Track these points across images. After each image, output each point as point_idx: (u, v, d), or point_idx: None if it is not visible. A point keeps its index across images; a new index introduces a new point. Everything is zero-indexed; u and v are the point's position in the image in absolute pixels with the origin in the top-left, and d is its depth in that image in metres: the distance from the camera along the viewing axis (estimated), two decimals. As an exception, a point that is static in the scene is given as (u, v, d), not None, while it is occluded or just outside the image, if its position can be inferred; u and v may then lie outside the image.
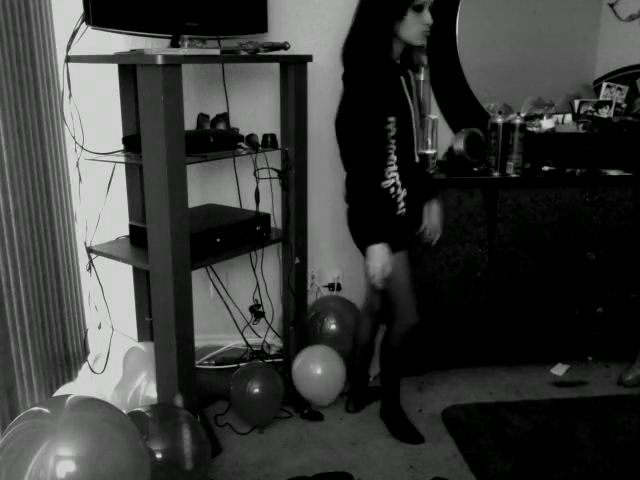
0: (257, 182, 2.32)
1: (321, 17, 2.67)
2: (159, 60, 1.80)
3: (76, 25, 1.98)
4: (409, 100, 2.04)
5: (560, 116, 2.75)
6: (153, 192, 1.95)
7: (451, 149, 2.70)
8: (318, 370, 2.46)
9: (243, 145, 2.25)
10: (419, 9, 1.91)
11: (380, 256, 2.01)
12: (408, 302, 2.18)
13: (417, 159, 2.13)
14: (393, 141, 2.02)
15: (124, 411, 1.78)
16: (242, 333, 2.60)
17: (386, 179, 2.05)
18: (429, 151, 2.58)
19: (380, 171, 2.04)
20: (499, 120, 2.60)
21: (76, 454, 1.44)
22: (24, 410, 1.69)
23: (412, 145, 2.09)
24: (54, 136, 2.23)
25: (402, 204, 2.08)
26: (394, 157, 2.04)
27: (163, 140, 1.86)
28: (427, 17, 1.93)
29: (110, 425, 1.56)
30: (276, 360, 2.74)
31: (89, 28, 1.93)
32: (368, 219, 2.03)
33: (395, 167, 2.05)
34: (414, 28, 1.93)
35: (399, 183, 2.06)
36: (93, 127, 2.20)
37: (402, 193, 2.07)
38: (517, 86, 2.93)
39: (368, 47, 1.97)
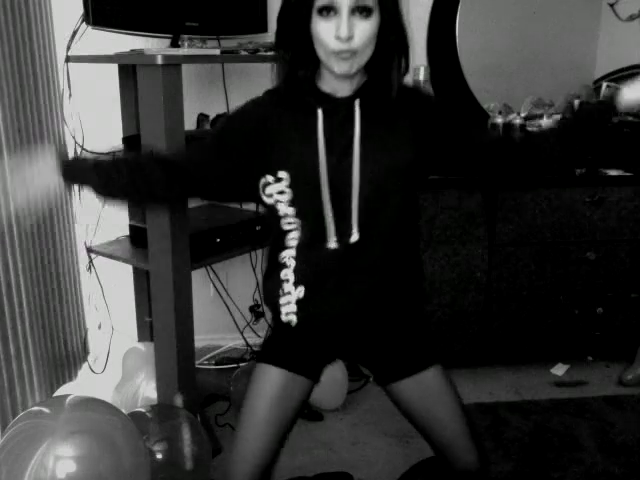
0: (257, 182, 2.32)
1: (321, 17, 2.66)
2: (159, 60, 1.79)
3: (76, 25, 1.98)
4: (322, 146, 1.26)
5: (560, 116, 2.75)
6: (153, 192, 1.95)
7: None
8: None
9: (243, 145, 2.25)
10: (325, 12, 1.18)
11: None
12: (241, 457, 1.47)
13: (333, 244, 1.29)
14: (291, 210, 1.30)
15: (124, 411, 1.78)
16: (242, 333, 2.60)
17: (278, 265, 1.36)
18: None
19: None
20: (499, 120, 2.60)
21: (76, 454, 1.44)
22: (24, 410, 1.69)
23: (321, 220, 1.28)
24: (54, 136, 2.23)
25: (290, 308, 1.35)
26: (294, 234, 1.32)
27: (163, 140, 1.86)
28: (341, 28, 1.16)
29: (110, 425, 1.56)
30: (276, 360, 2.73)
31: (89, 28, 1.93)
32: None
33: (292, 252, 1.33)
34: (322, 43, 1.21)
35: (291, 277, 1.34)
36: (93, 127, 2.20)
37: (295, 294, 1.34)
38: (517, 86, 2.93)
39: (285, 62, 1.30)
